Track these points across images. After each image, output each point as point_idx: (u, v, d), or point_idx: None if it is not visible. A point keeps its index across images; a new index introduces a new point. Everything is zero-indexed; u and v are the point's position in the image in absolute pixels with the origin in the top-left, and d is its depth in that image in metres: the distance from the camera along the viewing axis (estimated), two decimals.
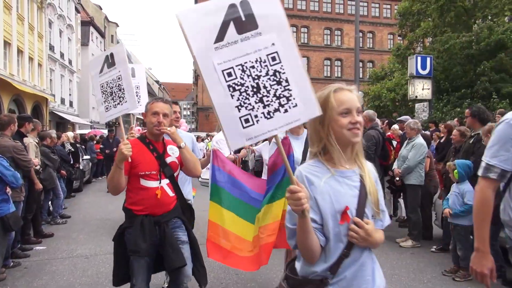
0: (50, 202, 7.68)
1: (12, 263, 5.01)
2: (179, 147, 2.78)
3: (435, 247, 5.54)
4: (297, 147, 3.48)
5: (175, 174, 2.86)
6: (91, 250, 5.78)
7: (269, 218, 3.26)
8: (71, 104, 30.59)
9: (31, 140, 6.02)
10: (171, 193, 2.79)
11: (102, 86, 2.85)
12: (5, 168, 4.32)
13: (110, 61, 2.81)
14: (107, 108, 2.87)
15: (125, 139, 2.62)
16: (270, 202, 3.28)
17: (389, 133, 6.90)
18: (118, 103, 2.83)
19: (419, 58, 14.55)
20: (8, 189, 4.49)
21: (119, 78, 2.80)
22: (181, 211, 2.91)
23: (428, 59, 14.66)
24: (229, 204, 3.44)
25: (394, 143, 6.70)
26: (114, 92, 2.83)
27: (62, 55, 28.00)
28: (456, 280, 4.42)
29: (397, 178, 5.96)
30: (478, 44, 15.84)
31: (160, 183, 2.72)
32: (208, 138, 18.24)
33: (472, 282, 4.31)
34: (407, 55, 19.00)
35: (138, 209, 2.70)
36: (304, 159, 3.30)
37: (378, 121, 7.11)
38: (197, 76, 43.69)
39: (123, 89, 2.80)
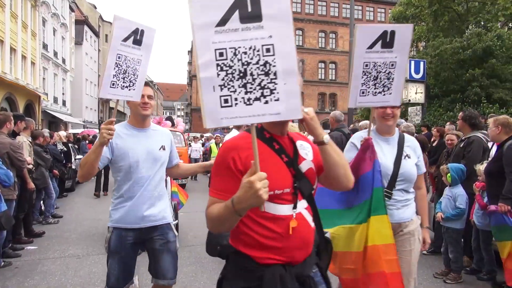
0: (42, 202, 7.62)
1: (3, 263, 4.97)
2: (321, 143, 1.67)
3: (426, 249, 5.57)
4: (388, 152, 2.61)
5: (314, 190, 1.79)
6: (83, 250, 5.74)
7: (351, 246, 2.46)
8: (64, 103, 30.39)
9: (24, 139, 5.98)
10: (311, 223, 1.71)
11: (119, 57, 2.40)
12: None
13: (138, 38, 2.47)
14: (113, 84, 2.41)
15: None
16: (354, 223, 2.48)
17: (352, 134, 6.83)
18: (127, 87, 2.47)
19: (412, 62, 14.66)
20: None
21: (138, 62, 2.50)
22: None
23: (422, 63, 14.79)
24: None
25: None
26: (129, 73, 2.46)
27: (55, 53, 27.82)
28: (447, 283, 4.46)
29: None
30: (469, 50, 16.03)
31: (295, 207, 1.63)
32: (202, 139, 18.22)
33: (463, 285, 4.36)
34: None
35: (265, 256, 1.60)
36: (397, 167, 2.56)
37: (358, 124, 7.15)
38: (191, 77, 43.67)
39: (137, 76, 2.51)
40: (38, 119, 22.64)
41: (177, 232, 4.83)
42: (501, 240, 3.97)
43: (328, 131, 8.45)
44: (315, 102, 43.07)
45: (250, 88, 1.38)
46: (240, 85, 1.39)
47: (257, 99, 1.39)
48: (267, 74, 1.39)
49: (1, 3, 17.97)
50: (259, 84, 1.39)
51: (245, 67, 1.38)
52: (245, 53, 1.38)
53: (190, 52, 47.94)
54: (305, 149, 1.76)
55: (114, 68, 2.39)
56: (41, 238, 6.38)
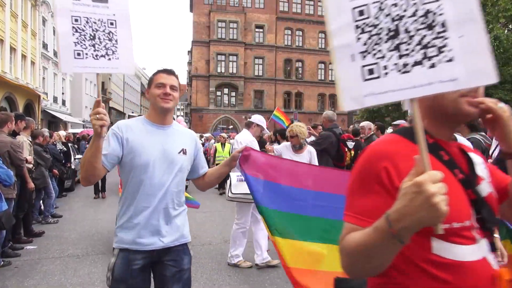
0: (41, 201, 7.62)
1: (2, 262, 4.97)
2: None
3: None
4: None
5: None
6: (82, 250, 5.75)
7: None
8: (63, 102, 30.38)
9: (24, 139, 5.98)
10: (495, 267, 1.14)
11: (76, 20, 1.93)
12: None
13: None
14: (79, 54, 1.92)
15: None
16: None
17: (344, 134, 6.83)
18: (103, 55, 1.97)
19: None
20: None
21: (112, 24, 2.00)
22: None
23: None
24: (297, 227, 2.34)
25: (351, 144, 6.65)
26: (100, 38, 1.96)
27: (55, 53, 27.80)
28: None
29: None
30: None
31: (480, 246, 1.10)
32: (202, 139, 18.12)
33: None
34: None
35: None
36: None
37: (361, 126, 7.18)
38: (191, 77, 43.65)
39: (116, 41, 1.99)
40: (38, 118, 22.63)
41: None
42: (502, 239, 4.00)
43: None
44: (315, 103, 43.09)
45: (406, 49, 1.04)
46: (391, 48, 1.06)
47: (418, 63, 1.03)
48: (430, 27, 1.03)
49: (1, 3, 17.97)
50: (420, 43, 1.03)
51: (396, 22, 1.05)
52: (395, 4, 1.06)
53: (190, 52, 47.94)
54: (479, 165, 1.23)
55: (74, 34, 1.92)
56: (41, 237, 6.38)
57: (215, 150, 11.73)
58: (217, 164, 10.71)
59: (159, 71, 2.25)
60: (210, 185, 2.53)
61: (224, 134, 13.81)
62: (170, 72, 2.24)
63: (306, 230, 2.41)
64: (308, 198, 2.47)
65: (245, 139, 5.10)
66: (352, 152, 6.38)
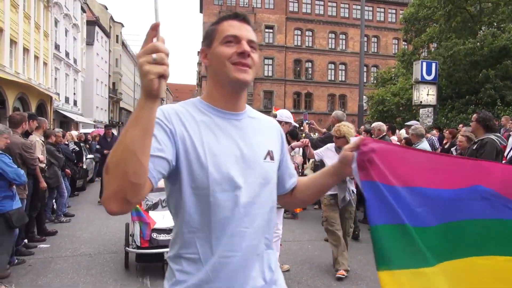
0: (54, 201, 7.70)
1: (16, 260, 5.03)
2: None
3: None
4: None
5: None
6: (95, 249, 5.79)
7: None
8: (75, 103, 30.72)
9: (37, 138, 6.05)
10: None
11: None
12: (7, 165, 4.32)
13: None
14: None
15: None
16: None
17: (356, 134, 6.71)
18: None
19: (424, 64, 14.54)
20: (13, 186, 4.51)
21: None
22: None
23: (434, 65, 14.66)
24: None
25: None
26: None
27: (67, 54, 28.14)
28: None
29: None
30: (482, 51, 15.83)
31: None
32: None
33: None
34: (412, 60, 18.99)
35: None
36: None
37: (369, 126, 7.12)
38: (200, 77, 43.82)
39: None
40: (50, 118, 22.92)
41: None
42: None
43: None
44: (325, 104, 42.93)
45: None
46: None
47: None
48: None
49: (14, 4, 18.22)
50: None
51: None
52: None
53: (199, 53, 48.18)
54: None
55: None
56: (54, 236, 6.44)
57: None
58: None
59: (226, 18, 1.34)
60: (303, 203, 1.58)
61: None
62: (244, 19, 1.32)
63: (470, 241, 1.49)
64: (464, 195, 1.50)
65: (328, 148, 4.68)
66: None
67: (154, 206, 5.16)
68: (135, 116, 0.98)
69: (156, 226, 4.60)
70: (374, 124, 7.37)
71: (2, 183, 4.29)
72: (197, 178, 1.19)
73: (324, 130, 7.43)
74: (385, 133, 7.00)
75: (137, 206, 4.64)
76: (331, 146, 4.69)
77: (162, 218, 4.73)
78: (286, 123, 4.73)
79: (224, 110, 1.29)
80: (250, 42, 1.27)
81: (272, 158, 1.35)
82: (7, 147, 4.61)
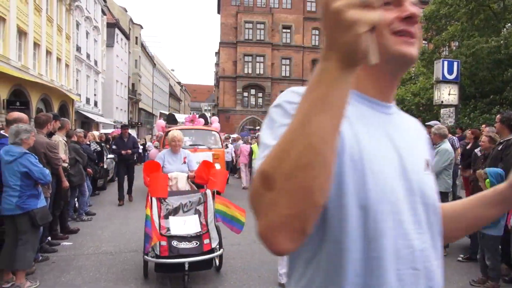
0: (76, 200, 7.87)
1: (41, 257, 5.16)
2: None
3: (462, 255, 5.41)
4: None
5: None
6: (115, 247, 5.88)
7: None
8: (95, 104, 31.30)
9: (60, 139, 6.19)
10: None
11: None
12: (33, 164, 4.42)
13: None
14: None
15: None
16: None
17: None
18: None
19: (445, 63, 14.24)
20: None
21: None
22: None
23: (455, 64, 14.34)
24: None
25: None
26: None
27: (88, 56, 28.70)
28: None
29: None
30: (506, 49, 15.41)
31: None
32: (229, 140, 17.92)
33: None
34: (433, 59, 18.64)
35: None
36: None
37: None
38: (218, 78, 44.05)
39: None
40: (72, 119, 23.42)
41: (220, 263, 4.66)
42: None
43: None
44: None
45: None
46: None
47: None
48: None
49: (38, 8, 18.69)
50: None
51: None
52: None
53: (217, 54, 48.39)
54: None
55: None
56: (76, 234, 6.58)
57: (251, 152, 9.95)
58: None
59: None
60: (446, 239, 0.99)
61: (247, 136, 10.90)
62: None
63: None
64: None
65: None
66: None
67: (174, 211, 4.61)
68: (321, 95, 0.61)
69: (177, 233, 4.33)
70: None
71: (28, 182, 4.40)
72: (343, 191, 0.79)
73: None
74: None
75: (147, 213, 4.31)
76: None
77: (183, 224, 4.47)
78: None
79: (376, 99, 0.92)
80: (412, 4, 0.86)
81: (429, 167, 0.96)
82: (32, 146, 4.72)
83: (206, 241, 4.33)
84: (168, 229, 4.39)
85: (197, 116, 12.75)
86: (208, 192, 4.74)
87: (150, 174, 4.72)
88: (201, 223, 4.55)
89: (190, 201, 4.68)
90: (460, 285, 4.49)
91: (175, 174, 5.01)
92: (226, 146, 13.76)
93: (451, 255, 5.52)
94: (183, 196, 4.71)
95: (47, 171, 4.67)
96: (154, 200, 4.54)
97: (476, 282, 4.50)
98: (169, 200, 4.63)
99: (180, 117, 13.37)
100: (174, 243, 4.21)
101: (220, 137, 11.27)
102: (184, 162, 5.19)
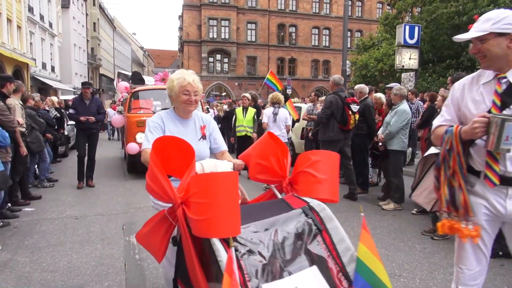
0: (36, 166, 7.64)
1: (1, 223, 5.05)
2: None
3: (415, 209, 5.77)
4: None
5: None
6: (80, 211, 5.83)
7: None
8: (52, 69, 29.79)
9: (16, 102, 5.92)
10: None
11: None
12: None
13: None
14: None
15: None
16: None
17: (349, 98, 6.65)
18: None
19: (407, 27, 14.48)
20: None
21: None
22: None
23: (416, 28, 14.62)
24: None
25: (355, 107, 6.45)
26: None
27: (42, 17, 26.97)
28: (434, 239, 4.65)
29: (380, 144, 6.10)
30: (465, 14, 15.86)
31: None
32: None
33: (449, 241, 4.55)
34: (395, 25, 18.91)
35: None
36: None
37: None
38: (182, 43, 42.79)
39: None
40: (27, 85, 22.25)
41: None
42: None
43: (323, 97, 8.49)
44: (308, 69, 42.72)
45: None
46: None
47: None
48: None
49: None
50: None
51: None
52: None
53: (181, 17, 46.72)
54: None
55: None
56: (38, 200, 6.44)
57: (235, 118, 8.84)
58: (239, 136, 8.41)
59: None
60: None
61: (248, 94, 8.97)
62: None
63: None
64: None
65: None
66: (357, 115, 6.38)
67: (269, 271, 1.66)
68: None
69: None
70: (356, 87, 7.42)
71: None
72: None
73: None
74: (367, 95, 7.07)
75: None
76: None
77: None
78: None
79: None
80: None
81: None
82: None
83: None
84: None
85: (169, 73, 12.20)
86: (317, 204, 1.96)
87: (180, 174, 1.93)
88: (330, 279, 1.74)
89: (287, 232, 1.80)
90: (412, 235, 4.83)
91: (207, 163, 2.27)
92: (208, 111, 12.47)
93: (406, 209, 5.88)
94: (265, 221, 1.82)
95: (7, 134, 4.51)
96: (220, 246, 1.63)
97: (427, 231, 4.85)
98: (245, 237, 1.73)
99: (147, 79, 12.49)
100: None
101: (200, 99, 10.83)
102: (204, 136, 2.64)
